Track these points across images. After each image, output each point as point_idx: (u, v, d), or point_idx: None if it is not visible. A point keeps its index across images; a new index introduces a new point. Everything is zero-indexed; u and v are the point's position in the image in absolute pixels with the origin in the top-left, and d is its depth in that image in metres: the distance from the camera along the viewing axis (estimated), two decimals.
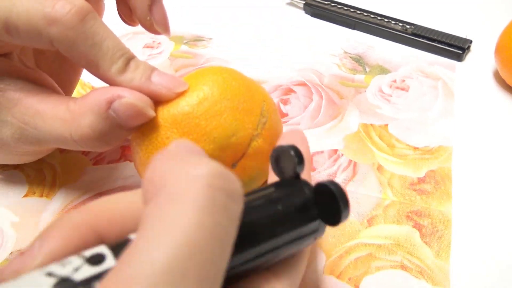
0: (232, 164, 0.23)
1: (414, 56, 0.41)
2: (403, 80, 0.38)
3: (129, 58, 0.22)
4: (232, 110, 0.23)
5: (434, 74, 0.38)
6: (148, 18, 0.24)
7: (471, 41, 0.41)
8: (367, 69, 0.39)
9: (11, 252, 0.25)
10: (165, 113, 0.22)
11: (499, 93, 0.37)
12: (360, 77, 0.38)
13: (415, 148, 0.31)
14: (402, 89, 0.37)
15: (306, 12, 0.48)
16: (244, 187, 0.24)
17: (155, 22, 0.24)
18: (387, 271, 0.24)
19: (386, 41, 0.43)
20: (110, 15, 0.29)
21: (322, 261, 0.25)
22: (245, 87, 0.24)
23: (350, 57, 0.41)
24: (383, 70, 0.39)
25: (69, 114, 0.22)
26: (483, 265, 0.24)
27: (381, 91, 0.37)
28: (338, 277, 0.24)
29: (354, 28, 0.45)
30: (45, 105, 0.22)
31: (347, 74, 0.39)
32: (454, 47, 0.40)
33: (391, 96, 0.36)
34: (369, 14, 0.45)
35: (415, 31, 0.42)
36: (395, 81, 0.38)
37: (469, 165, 0.30)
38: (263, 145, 0.24)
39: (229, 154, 0.23)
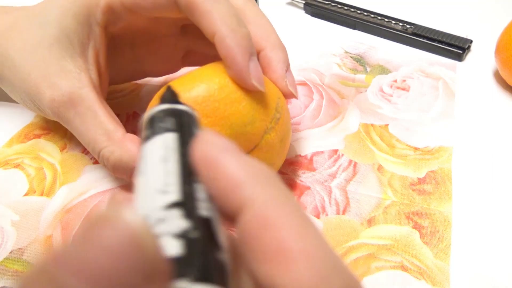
0: None
1: (414, 55, 0.41)
2: (404, 80, 0.38)
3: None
4: (250, 100, 0.23)
5: (435, 74, 0.38)
6: (284, 80, 0.25)
7: (471, 41, 0.41)
8: (368, 69, 0.39)
9: (11, 251, 0.25)
10: (186, 93, 0.22)
11: (499, 93, 0.37)
12: (361, 76, 0.38)
13: (416, 149, 0.31)
14: (403, 89, 0.37)
15: (306, 12, 0.48)
16: None
17: (289, 84, 0.26)
18: (387, 271, 0.24)
19: (386, 41, 0.43)
20: None
21: None
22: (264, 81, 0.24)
23: (351, 57, 0.41)
24: (384, 70, 0.39)
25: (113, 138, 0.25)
26: (483, 266, 0.24)
27: (381, 91, 0.37)
28: None
29: (354, 28, 0.45)
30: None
31: (348, 73, 0.39)
32: (454, 47, 0.40)
33: (392, 96, 0.36)
34: (369, 14, 0.45)
35: (415, 31, 0.42)
36: (395, 81, 0.38)
37: (470, 166, 0.30)
38: (275, 140, 0.24)
39: (242, 143, 0.23)
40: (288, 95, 0.26)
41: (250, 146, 0.23)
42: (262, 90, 0.23)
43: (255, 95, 0.23)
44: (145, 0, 0.24)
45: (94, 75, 0.26)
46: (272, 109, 0.24)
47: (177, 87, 0.23)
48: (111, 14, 0.25)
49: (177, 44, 0.30)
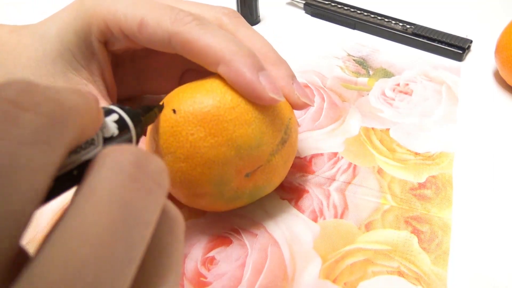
0: (245, 174, 0.23)
1: (418, 57, 0.40)
2: (407, 84, 0.37)
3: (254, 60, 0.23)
4: (260, 122, 0.23)
5: (439, 78, 0.38)
6: (295, 93, 0.25)
7: (471, 41, 0.40)
8: (371, 72, 0.39)
9: None
10: (196, 109, 0.22)
11: (500, 93, 0.36)
12: (363, 80, 0.38)
13: (416, 154, 0.31)
14: (405, 93, 0.36)
15: (306, 12, 0.48)
16: (250, 195, 0.25)
17: (300, 96, 0.25)
18: (384, 276, 0.24)
19: (387, 41, 0.43)
20: None
21: (318, 265, 0.24)
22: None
23: (354, 60, 0.40)
24: (387, 74, 0.39)
25: None
26: (481, 274, 0.24)
27: (384, 94, 0.36)
28: (333, 281, 0.24)
29: (354, 28, 0.45)
30: None
31: (350, 76, 0.38)
32: (454, 47, 0.40)
33: (394, 100, 0.36)
34: (369, 14, 0.45)
35: (415, 31, 0.42)
36: (398, 84, 0.37)
37: (471, 172, 0.30)
38: (279, 162, 0.24)
39: (246, 164, 0.23)
40: (303, 106, 0.26)
41: (253, 167, 0.23)
42: (282, 100, 0.23)
43: (265, 117, 0.23)
44: (141, 34, 0.23)
45: (101, 86, 0.27)
46: (280, 131, 0.24)
47: (185, 99, 0.22)
48: (110, 36, 0.25)
49: (175, 60, 0.30)
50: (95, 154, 0.13)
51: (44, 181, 0.10)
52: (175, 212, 0.14)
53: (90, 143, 0.13)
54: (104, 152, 0.12)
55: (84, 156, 0.13)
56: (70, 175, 0.12)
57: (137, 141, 0.16)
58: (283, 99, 0.23)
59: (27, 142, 0.10)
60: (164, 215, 0.13)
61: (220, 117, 0.22)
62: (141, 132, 0.17)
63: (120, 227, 0.10)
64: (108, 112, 0.15)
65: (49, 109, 0.10)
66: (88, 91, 0.13)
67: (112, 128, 0.14)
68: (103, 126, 0.14)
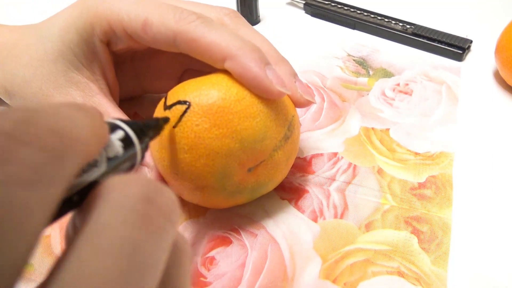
0: (248, 168, 0.23)
1: (418, 57, 0.40)
2: (407, 84, 0.37)
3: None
4: (265, 116, 0.23)
5: (439, 78, 0.38)
6: (298, 91, 0.25)
7: (471, 41, 0.40)
8: (371, 72, 0.39)
9: None
10: (202, 100, 0.22)
11: (500, 94, 0.36)
12: (363, 80, 0.38)
13: (416, 154, 0.31)
14: (405, 93, 0.36)
15: (306, 12, 0.48)
16: (251, 191, 0.25)
17: (303, 93, 0.25)
18: (384, 277, 0.24)
19: (387, 42, 0.43)
20: None
21: (318, 265, 0.24)
22: (281, 98, 0.24)
23: (354, 60, 0.40)
24: (387, 74, 0.39)
25: None
26: (481, 274, 0.24)
27: (384, 94, 0.36)
28: (333, 281, 0.24)
29: (354, 28, 0.45)
30: None
31: (350, 76, 0.38)
32: (454, 47, 0.40)
33: (394, 100, 0.36)
34: (369, 14, 0.45)
35: (415, 31, 0.42)
36: (398, 84, 0.37)
37: (471, 172, 0.30)
38: (281, 158, 0.24)
39: (249, 158, 0.23)
40: (306, 104, 0.26)
41: (256, 162, 0.23)
42: (289, 93, 0.23)
43: (270, 111, 0.23)
44: (146, 34, 0.23)
45: (103, 85, 0.27)
46: (284, 127, 0.24)
47: (191, 91, 0.22)
48: (113, 36, 0.25)
49: (175, 60, 0.30)
50: (97, 177, 0.12)
51: (43, 222, 0.09)
52: (183, 242, 0.13)
53: (93, 164, 0.12)
54: (110, 184, 0.11)
55: (86, 179, 0.11)
56: (69, 200, 0.11)
57: (142, 159, 0.15)
58: (290, 92, 0.23)
59: (24, 183, 0.08)
60: (172, 246, 0.12)
61: (226, 109, 0.22)
62: (145, 148, 0.15)
63: (128, 274, 0.09)
64: (112, 127, 0.14)
65: (50, 142, 0.09)
66: (92, 106, 0.12)
67: (117, 147, 0.13)
68: (107, 145, 0.13)
